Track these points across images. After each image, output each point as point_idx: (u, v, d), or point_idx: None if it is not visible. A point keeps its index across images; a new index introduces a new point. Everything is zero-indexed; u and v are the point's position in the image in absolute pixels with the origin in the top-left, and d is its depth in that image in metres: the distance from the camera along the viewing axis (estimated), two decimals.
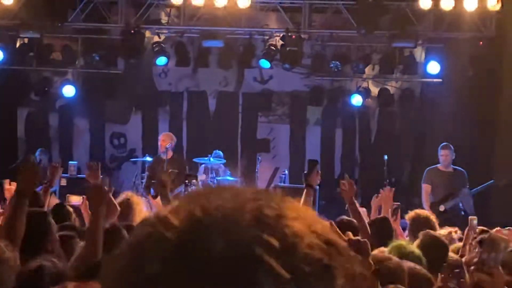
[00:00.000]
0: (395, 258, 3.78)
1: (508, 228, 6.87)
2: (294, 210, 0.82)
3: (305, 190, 6.01)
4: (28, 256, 3.92)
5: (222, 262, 0.76)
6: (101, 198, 4.08)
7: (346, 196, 6.16)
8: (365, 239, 3.14)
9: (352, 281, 0.81)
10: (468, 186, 10.69)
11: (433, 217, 6.43)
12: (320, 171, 6.25)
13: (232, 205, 0.81)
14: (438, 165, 10.82)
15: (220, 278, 0.76)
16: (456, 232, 6.58)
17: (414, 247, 4.76)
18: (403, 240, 4.95)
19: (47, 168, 12.25)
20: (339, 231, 2.96)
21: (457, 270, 3.27)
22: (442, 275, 3.57)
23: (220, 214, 0.80)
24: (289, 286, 0.76)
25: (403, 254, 4.31)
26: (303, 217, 0.82)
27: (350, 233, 3.09)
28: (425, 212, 6.53)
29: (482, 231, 6.20)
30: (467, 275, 3.56)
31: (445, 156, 10.72)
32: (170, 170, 11.05)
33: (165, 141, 11.54)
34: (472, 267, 3.35)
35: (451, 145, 10.85)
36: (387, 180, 11.99)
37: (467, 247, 6.12)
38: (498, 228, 6.86)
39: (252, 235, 0.77)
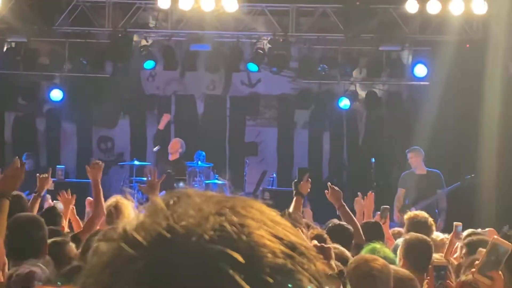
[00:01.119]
0: (381, 260, 3.81)
1: (488, 228, 6.93)
2: (257, 217, 0.83)
3: (295, 198, 6.03)
4: (18, 261, 3.92)
5: (189, 279, 0.77)
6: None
7: (334, 200, 6.19)
8: (329, 246, 3.19)
9: (317, 280, 0.82)
10: (444, 187, 10.80)
11: (431, 220, 6.46)
12: (310, 179, 6.29)
13: (195, 221, 0.81)
14: (412, 169, 10.86)
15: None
16: (448, 239, 6.62)
17: (388, 250, 4.81)
18: (377, 243, 4.98)
19: (34, 174, 12.22)
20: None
21: (442, 272, 3.30)
22: (428, 277, 3.60)
23: (184, 231, 0.80)
24: None
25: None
26: (266, 223, 0.83)
27: (315, 241, 3.14)
28: (424, 214, 6.55)
29: (472, 234, 6.25)
30: (452, 277, 3.59)
31: (410, 159, 10.95)
32: (168, 170, 11.25)
33: (174, 147, 12.13)
34: (473, 269, 3.37)
35: (416, 147, 11.16)
36: (374, 184, 12.04)
37: (451, 251, 6.16)
38: (491, 228, 6.92)
39: (216, 251, 0.78)
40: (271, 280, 0.78)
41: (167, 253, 0.79)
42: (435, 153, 12.69)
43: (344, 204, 6.16)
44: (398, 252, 4.99)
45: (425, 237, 5.20)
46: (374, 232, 5.87)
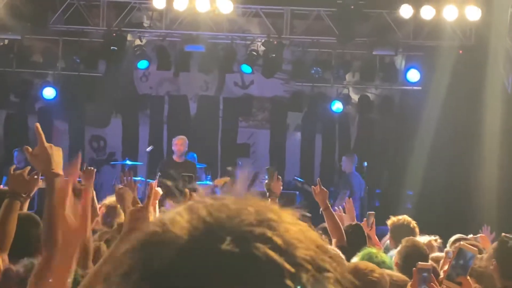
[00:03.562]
0: (379, 269, 3.81)
1: (480, 235, 6.96)
2: (291, 217, 0.88)
3: (269, 200, 6.01)
4: (14, 259, 3.91)
5: (229, 257, 0.80)
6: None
7: (319, 200, 6.18)
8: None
9: (342, 283, 0.85)
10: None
11: (414, 223, 6.48)
12: (280, 177, 6.28)
13: (235, 207, 0.86)
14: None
15: (227, 272, 0.80)
16: (436, 240, 6.63)
17: (384, 255, 4.81)
18: (374, 248, 4.99)
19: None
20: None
21: (425, 274, 3.32)
22: (412, 280, 3.63)
23: (224, 215, 0.84)
24: (291, 282, 0.80)
25: (374, 263, 4.34)
26: (299, 224, 0.87)
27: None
28: (407, 218, 6.57)
29: (460, 239, 6.27)
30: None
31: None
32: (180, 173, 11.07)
33: (183, 145, 11.38)
34: (441, 276, 3.40)
35: (352, 154, 12.75)
36: (366, 187, 12.09)
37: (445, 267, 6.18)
38: (483, 235, 6.94)
39: (256, 233, 0.82)
40: (307, 267, 0.81)
41: (208, 232, 0.82)
42: (427, 158, 12.75)
43: (329, 206, 6.16)
44: (393, 258, 5.01)
45: (421, 243, 5.22)
46: (356, 235, 5.89)
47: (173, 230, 0.84)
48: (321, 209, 6.11)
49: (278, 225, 0.84)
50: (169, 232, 0.84)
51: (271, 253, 0.80)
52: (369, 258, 4.48)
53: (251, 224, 0.83)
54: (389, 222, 6.56)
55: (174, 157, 11.36)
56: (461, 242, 3.63)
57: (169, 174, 10.70)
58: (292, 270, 0.80)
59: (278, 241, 0.82)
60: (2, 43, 13.73)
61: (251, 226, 0.83)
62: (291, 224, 0.86)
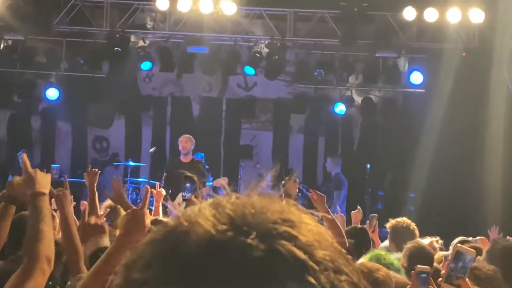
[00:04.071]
0: (384, 269, 3.81)
1: (479, 237, 6.96)
2: (310, 218, 0.90)
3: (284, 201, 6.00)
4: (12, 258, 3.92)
5: (254, 251, 0.81)
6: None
7: (318, 205, 6.21)
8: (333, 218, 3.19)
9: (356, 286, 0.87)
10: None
11: (413, 225, 6.48)
12: (297, 180, 6.33)
13: (260, 204, 0.87)
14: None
15: (251, 266, 0.81)
16: (437, 241, 6.63)
17: (393, 257, 4.80)
18: (382, 250, 4.98)
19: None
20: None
21: (424, 276, 3.32)
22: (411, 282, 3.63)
23: (248, 211, 0.86)
24: (312, 278, 0.82)
25: (383, 265, 4.33)
26: (318, 226, 0.89)
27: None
28: (406, 220, 6.57)
29: (463, 241, 6.27)
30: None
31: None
32: (185, 174, 10.94)
33: (188, 143, 11.05)
34: (440, 278, 3.40)
35: (337, 155, 12.91)
36: (369, 189, 12.09)
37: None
38: (483, 237, 6.94)
39: (281, 230, 0.84)
40: (327, 266, 0.84)
41: (233, 226, 0.84)
42: (430, 160, 12.74)
43: (329, 210, 6.22)
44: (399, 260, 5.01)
45: (426, 246, 5.22)
46: (360, 238, 5.91)
47: (199, 222, 0.84)
48: (320, 214, 6.15)
49: (300, 225, 0.86)
50: (194, 224, 0.84)
51: (295, 250, 0.82)
52: (377, 259, 4.48)
53: (275, 222, 0.85)
54: (388, 224, 6.56)
55: (181, 157, 11.08)
56: (458, 244, 3.63)
57: (176, 175, 10.64)
58: (316, 267, 0.82)
59: (302, 239, 0.84)
60: (5, 44, 13.76)
61: (276, 224, 0.85)
62: (311, 226, 0.88)
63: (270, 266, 0.81)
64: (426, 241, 6.37)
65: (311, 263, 0.82)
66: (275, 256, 0.81)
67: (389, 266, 4.35)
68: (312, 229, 0.87)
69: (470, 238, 6.77)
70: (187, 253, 0.82)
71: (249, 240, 0.82)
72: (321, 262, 0.83)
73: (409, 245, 5.14)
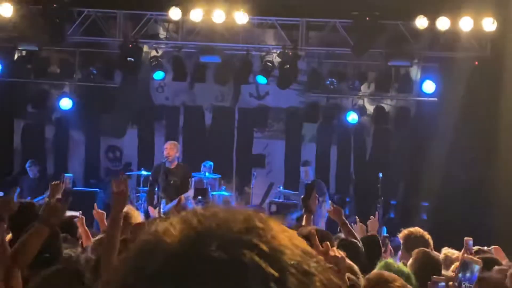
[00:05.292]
0: (401, 280, 3.81)
1: (493, 246, 6.93)
2: (278, 225, 0.92)
3: (305, 216, 6.05)
4: (33, 270, 3.96)
5: (216, 262, 0.85)
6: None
7: (336, 218, 6.28)
8: (343, 256, 3.19)
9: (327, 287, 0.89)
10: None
11: (427, 235, 6.46)
12: (317, 195, 6.37)
13: (224, 216, 0.91)
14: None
15: (213, 278, 0.84)
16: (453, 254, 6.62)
17: (402, 265, 4.80)
18: (390, 259, 4.99)
19: (42, 179, 12.20)
20: (317, 241, 3.02)
21: (441, 285, 3.33)
22: None
23: (214, 223, 0.89)
24: (276, 285, 0.84)
25: (392, 271, 4.33)
26: (286, 231, 0.92)
27: (327, 243, 3.13)
28: (419, 229, 6.55)
29: (478, 251, 6.26)
30: None
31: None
32: (172, 180, 11.05)
33: (173, 150, 11.09)
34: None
35: (310, 162, 12.99)
36: (381, 198, 12.04)
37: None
38: (497, 246, 6.92)
39: (243, 240, 0.87)
40: (291, 272, 0.86)
41: (196, 239, 0.87)
42: (443, 169, 12.70)
43: (346, 221, 6.28)
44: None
45: (434, 254, 5.21)
46: (371, 246, 5.93)
47: (164, 238, 0.88)
48: (339, 224, 6.26)
49: (265, 232, 0.88)
50: (161, 240, 0.88)
51: (257, 259, 0.85)
52: (387, 268, 4.48)
53: (239, 231, 0.88)
54: (401, 235, 6.55)
55: (166, 163, 11.03)
56: (465, 255, 3.64)
57: (161, 180, 10.75)
58: (277, 274, 0.84)
59: (264, 247, 0.86)
60: (20, 55, 13.87)
61: (239, 233, 0.88)
62: (278, 232, 0.90)
63: (232, 277, 0.84)
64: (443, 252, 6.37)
65: (272, 270, 0.84)
66: (237, 266, 0.84)
67: (398, 273, 4.36)
68: (278, 235, 0.89)
69: (486, 248, 6.74)
70: (154, 268, 0.86)
71: (211, 252, 0.85)
72: (287, 267, 0.86)
73: (415, 253, 5.15)
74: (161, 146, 14.63)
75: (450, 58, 13.03)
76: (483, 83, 12.51)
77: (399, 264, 4.82)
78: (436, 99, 13.41)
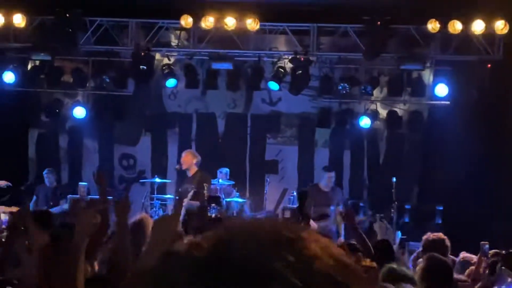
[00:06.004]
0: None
1: None
2: (311, 234, 0.91)
3: (302, 224, 6.07)
4: None
5: (243, 275, 0.85)
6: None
7: (348, 222, 6.30)
8: (375, 266, 3.19)
9: None
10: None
11: (447, 241, 6.43)
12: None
13: (252, 226, 0.91)
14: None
15: None
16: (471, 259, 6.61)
17: (406, 269, 4.81)
18: (394, 264, 4.99)
19: (57, 188, 12.27)
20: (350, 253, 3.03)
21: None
22: None
23: (241, 233, 0.90)
24: None
25: (397, 277, 4.33)
26: (320, 241, 0.90)
27: (360, 255, 3.14)
28: (440, 235, 6.54)
29: (495, 254, 6.24)
30: None
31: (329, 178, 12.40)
32: (188, 188, 11.31)
33: (186, 157, 11.99)
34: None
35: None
36: (396, 203, 12.01)
37: (480, 270, 6.16)
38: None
39: (269, 250, 0.87)
40: (319, 282, 0.85)
41: (223, 249, 0.87)
42: (456, 172, 12.65)
43: (358, 226, 6.31)
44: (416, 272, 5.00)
45: (444, 258, 5.20)
46: (383, 250, 5.94)
47: (192, 251, 0.89)
48: (350, 228, 6.28)
49: (294, 242, 0.88)
50: (188, 253, 0.89)
51: (283, 269, 0.84)
52: (391, 273, 4.48)
53: (267, 243, 0.87)
54: (424, 237, 6.56)
55: (186, 171, 11.88)
56: (503, 268, 3.61)
57: (183, 190, 11.06)
58: (300, 285, 0.83)
59: (292, 258, 0.85)
60: (33, 64, 13.97)
61: (267, 245, 0.87)
62: (310, 242, 0.89)
63: (259, 286, 0.83)
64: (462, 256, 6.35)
65: (297, 282, 0.83)
66: (264, 278, 0.84)
67: (402, 278, 4.35)
68: (309, 245, 0.88)
69: (504, 252, 6.70)
70: (178, 278, 0.86)
71: (238, 264, 0.85)
72: (316, 278, 0.85)
73: (425, 258, 5.13)
74: (174, 153, 14.71)
75: (463, 61, 12.99)
76: (496, 86, 12.46)
77: (404, 270, 4.81)
78: (449, 102, 13.37)
